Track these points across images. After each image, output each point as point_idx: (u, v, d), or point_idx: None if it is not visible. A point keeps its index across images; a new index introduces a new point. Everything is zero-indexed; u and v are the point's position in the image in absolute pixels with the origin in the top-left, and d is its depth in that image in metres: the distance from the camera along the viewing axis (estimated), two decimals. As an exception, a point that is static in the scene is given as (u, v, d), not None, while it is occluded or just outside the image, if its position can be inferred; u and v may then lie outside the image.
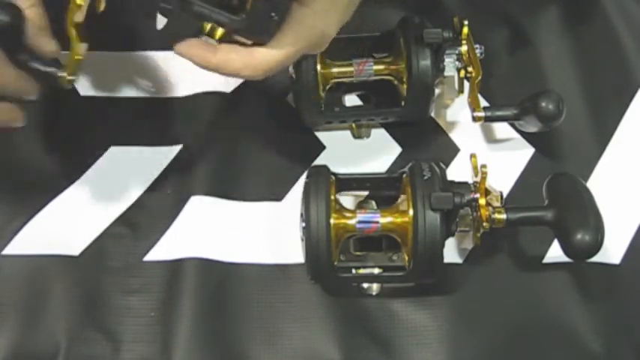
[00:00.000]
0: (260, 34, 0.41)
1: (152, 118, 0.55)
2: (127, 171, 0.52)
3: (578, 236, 0.42)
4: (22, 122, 0.44)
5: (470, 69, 0.51)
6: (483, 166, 0.44)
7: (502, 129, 0.54)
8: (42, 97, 0.43)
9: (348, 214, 0.44)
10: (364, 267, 0.46)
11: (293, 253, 0.48)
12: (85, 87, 0.55)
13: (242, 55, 0.40)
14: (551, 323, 0.46)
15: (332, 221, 0.43)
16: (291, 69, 0.50)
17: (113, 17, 0.60)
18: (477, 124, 0.54)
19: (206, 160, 0.53)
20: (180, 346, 0.45)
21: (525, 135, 0.54)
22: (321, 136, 0.54)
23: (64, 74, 0.43)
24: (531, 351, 0.46)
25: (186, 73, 0.57)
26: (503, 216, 0.44)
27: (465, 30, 0.52)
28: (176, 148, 0.53)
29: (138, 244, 0.49)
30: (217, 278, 0.48)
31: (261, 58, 0.40)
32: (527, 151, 0.53)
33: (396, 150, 0.53)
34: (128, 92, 0.56)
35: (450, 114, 0.55)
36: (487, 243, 0.46)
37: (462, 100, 0.52)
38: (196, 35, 0.41)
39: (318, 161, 0.53)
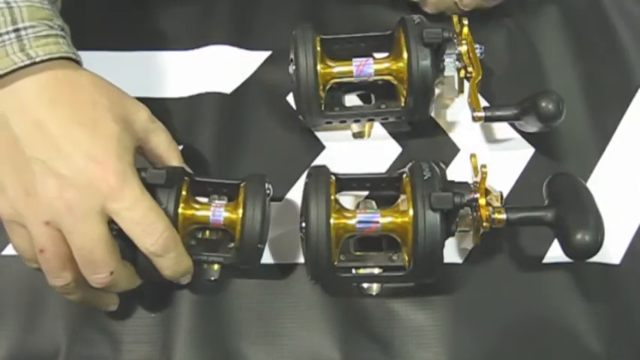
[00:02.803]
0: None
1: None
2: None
3: (578, 236, 0.42)
4: (115, 307, 0.46)
5: (470, 69, 0.51)
6: (483, 166, 0.44)
7: (502, 129, 0.54)
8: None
9: (348, 214, 0.44)
10: (364, 267, 0.46)
11: (293, 253, 0.48)
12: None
13: None
14: (551, 323, 0.46)
15: (332, 221, 0.43)
16: (291, 69, 0.50)
17: (113, 17, 0.61)
18: (477, 124, 0.54)
19: (206, 160, 0.53)
20: (180, 347, 0.45)
21: (525, 135, 0.54)
22: (321, 136, 0.54)
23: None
24: (531, 351, 0.46)
25: (186, 73, 0.57)
26: (503, 216, 0.44)
27: (465, 30, 0.52)
28: (176, 148, 0.53)
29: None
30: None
31: None
32: (527, 151, 0.53)
33: (396, 150, 0.53)
34: (128, 92, 0.56)
35: (450, 114, 0.55)
36: (487, 243, 0.46)
37: (462, 100, 0.52)
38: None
39: (318, 161, 0.53)
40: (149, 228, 0.40)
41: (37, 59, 0.41)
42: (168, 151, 0.47)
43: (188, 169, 0.48)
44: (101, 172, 0.40)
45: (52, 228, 0.39)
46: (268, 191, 0.45)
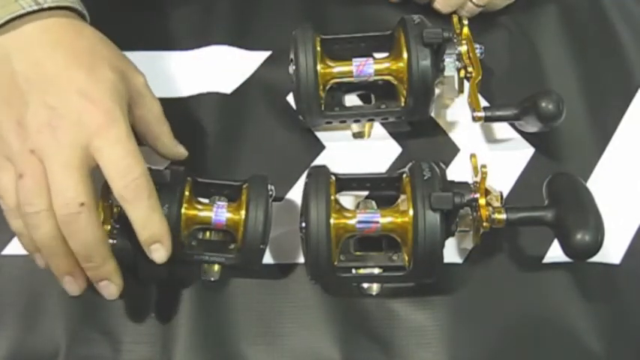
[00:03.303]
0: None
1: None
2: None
3: (578, 236, 0.42)
4: (77, 289, 0.43)
5: (470, 69, 0.51)
6: (483, 166, 0.44)
7: (502, 129, 0.54)
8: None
9: (348, 214, 0.44)
10: (364, 267, 0.46)
11: (293, 253, 0.48)
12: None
13: None
14: (551, 323, 0.46)
15: (332, 221, 0.43)
16: (291, 69, 0.50)
17: (113, 17, 0.60)
18: (477, 124, 0.54)
19: (206, 160, 0.53)
20: (180, 347, 0.45)
21: (525, 135, 0.54)
22: (321, 136, 0.54)
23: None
24: (531, 351, 0.46)
25: (187, 73, 0.57)
26: (503, 216, 0.44)
27: (465, 30, 0.52)
28: (176, 149, 0.53)
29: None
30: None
31: None
32: (527, 151, 0.53)
33: (396, 150, 0.53)
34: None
35: (450, 114, 0.55)
36: (487, 243, 0.46)
37: (462, 100, 0.52)
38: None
39: (318, 161, 0.53)
40: (125, 169, 0.41)
41: (45, 5, 0.42)
42: (158, 123, 0.48)
43: (182, 149, 0.49)
44: (92, 108, 0.41)
45: (35, 157, 0.40)
46: (271, 192, 0.45)
